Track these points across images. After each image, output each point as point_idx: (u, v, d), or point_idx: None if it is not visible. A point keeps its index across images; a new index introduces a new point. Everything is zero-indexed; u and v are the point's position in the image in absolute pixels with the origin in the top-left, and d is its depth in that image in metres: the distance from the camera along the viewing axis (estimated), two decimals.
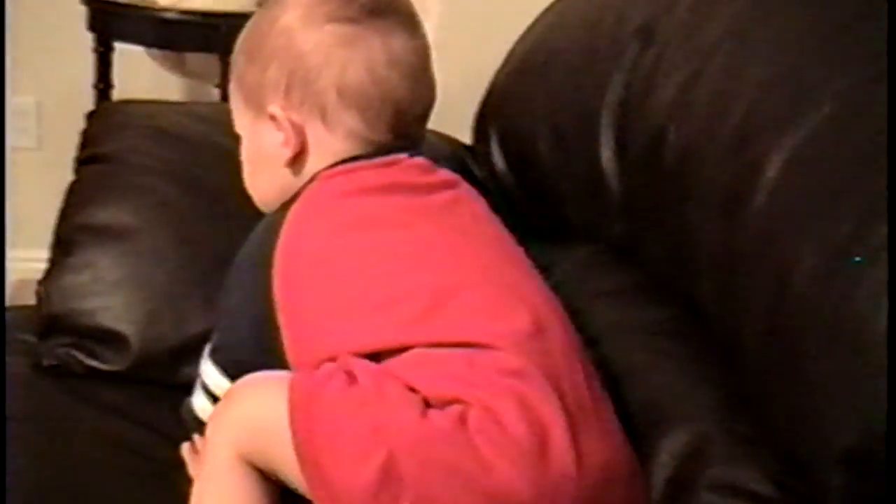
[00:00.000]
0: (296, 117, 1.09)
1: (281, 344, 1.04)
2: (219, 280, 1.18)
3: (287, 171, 1.11)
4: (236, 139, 1.17)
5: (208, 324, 1.24)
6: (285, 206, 1.09)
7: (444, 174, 1.13)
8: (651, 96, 1.17)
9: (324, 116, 1.09)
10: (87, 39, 2.25)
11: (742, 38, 1.09)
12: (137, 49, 2.29)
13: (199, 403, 1.09)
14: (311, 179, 1.10)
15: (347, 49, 1.08)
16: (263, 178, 1.14)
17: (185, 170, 1.34)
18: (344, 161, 1.09)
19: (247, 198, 1.17)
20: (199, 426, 1.07)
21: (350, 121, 1.08)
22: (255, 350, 1.06)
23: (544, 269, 1.14)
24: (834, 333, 0.85)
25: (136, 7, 2.16)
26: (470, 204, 1.12)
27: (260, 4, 1.31)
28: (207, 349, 1.11)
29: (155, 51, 2.32)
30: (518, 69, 1.48)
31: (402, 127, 1.10)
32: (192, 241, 1.29)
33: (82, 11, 2.21)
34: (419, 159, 1.11)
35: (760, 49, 1.06)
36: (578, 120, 1.29)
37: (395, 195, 1.08)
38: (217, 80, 2.15)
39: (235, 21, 2.07)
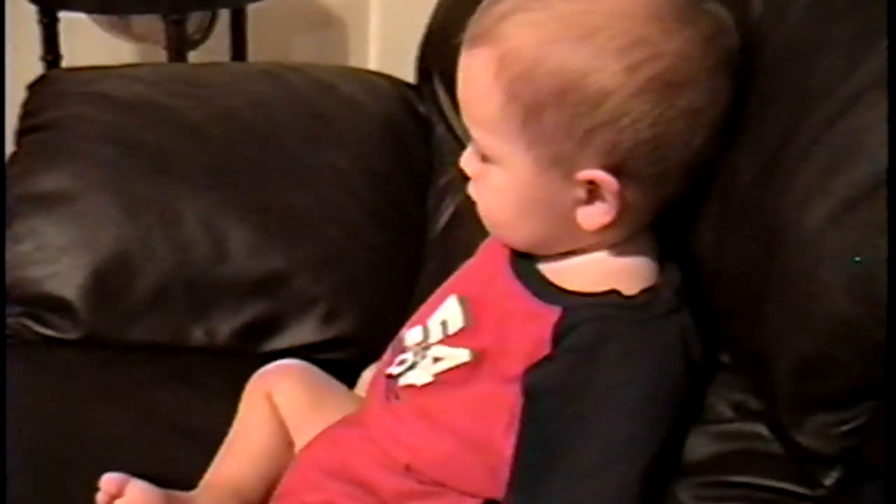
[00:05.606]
0: None
1: None
2: (162, 236, 1.16)
3: None
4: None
5: (155, 282, 1.24)
6: None
7: None
8: None
9: None
10: (32, 12, 2.21)
11: None
12: (83, 17, 2.26)
13: None
14: None
15: None
16: None
17: (123, 131, 1.32)
18: None
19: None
20: None
21: None
22: None
23: None
24: (770, 234, 0.85)
25: None
26: None
27: None
28: None
29: (100, 16, 2.29)
30: (456, 3, 1.46)
31: None
32: (134, 199, 1.27)
33: None
34: None
35: None
36: None
37: None
38: (164, 42, 2.12)
39: None
